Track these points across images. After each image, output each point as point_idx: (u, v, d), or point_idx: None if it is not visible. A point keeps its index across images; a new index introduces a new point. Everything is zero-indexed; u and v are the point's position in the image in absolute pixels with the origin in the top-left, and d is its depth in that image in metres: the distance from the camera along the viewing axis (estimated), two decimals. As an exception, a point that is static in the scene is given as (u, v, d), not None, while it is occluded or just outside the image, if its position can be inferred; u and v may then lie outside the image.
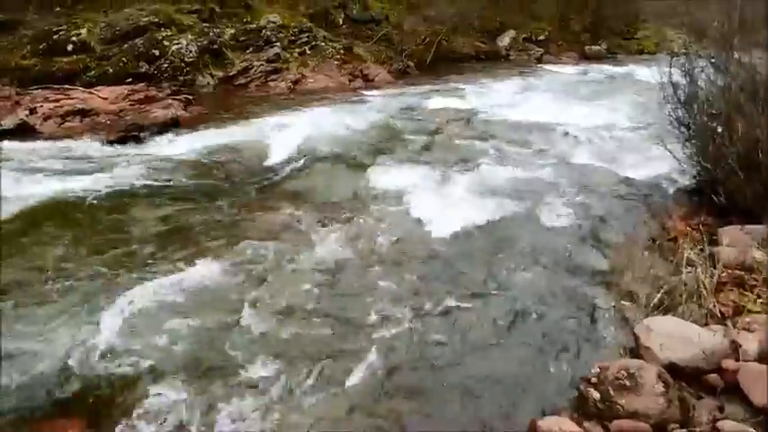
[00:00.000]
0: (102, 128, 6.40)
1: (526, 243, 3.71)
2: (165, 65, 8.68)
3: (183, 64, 8.82)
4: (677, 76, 4.53)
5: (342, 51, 10.88)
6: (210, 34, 9.49)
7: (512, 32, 14.58)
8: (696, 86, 4.41)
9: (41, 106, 6.73)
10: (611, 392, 2.12)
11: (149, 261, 3.40)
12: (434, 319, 2.89)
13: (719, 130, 3.98)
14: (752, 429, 1.94)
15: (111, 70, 8.30)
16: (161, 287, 3.05)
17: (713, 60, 4.36)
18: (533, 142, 6.16)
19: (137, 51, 8.60)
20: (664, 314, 2.70)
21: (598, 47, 15.48)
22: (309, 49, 10.47)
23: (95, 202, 4.32)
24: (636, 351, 2.43)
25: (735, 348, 2.28)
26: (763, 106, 3.66)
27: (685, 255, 3.14)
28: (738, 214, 3.69)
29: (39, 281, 3.15)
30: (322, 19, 11.64)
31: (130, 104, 7.21)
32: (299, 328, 2.79)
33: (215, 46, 9.41)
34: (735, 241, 3.20)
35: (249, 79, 9.35)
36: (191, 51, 8.95)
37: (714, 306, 2.66)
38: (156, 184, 4.75)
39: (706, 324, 2.53)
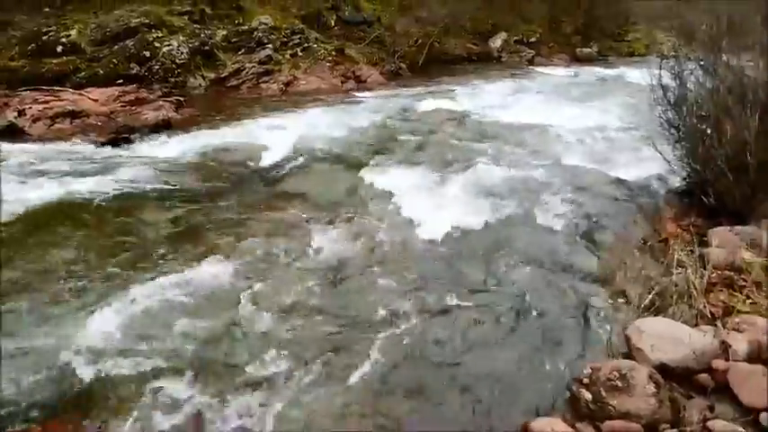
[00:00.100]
0: (92, 129, 6.36)
1: (519, 244, 3.73)
2: (156, 66, 8.62)
3: (174, 65, 8.77)
4: (667, 79, 4.57)
5: (334, 53, 10.87)
6: (202, 36, 9.44)
7: (503, 34, 14.64)
8: (685, 89, 4.45)
9: (30, 108, 6.66)
10: (603, 393, 2.13)
11: (148, 262, 3.41)
12: (428, 318, 2.89)
13: (709, 132, 4.02)
14: (741, 429, 1.96)
15: (101, 72, 8.23)
16: (160, 288, 3.07)
17: (702, 63, 4.40)
18: (526, 143, 6.19)
19: (127, 53, 8.54)
20: (655, 315, 2.72)
21: (589, 49, 15.57)
22: (301, 51, 10.45)
23: (90, 204, 4.28)
24: (627, 352, 2.44)
25: (724, 348, 2.30)
26: (750, 109, 3.69)
27: (676, 256, 3.17)
28: (728, 215, 3.73)
29: (46, 281, 3.15)
30: (314, 20, 11.62)
31: (121, 106, 7.16)
32: (299, 327, 2.81)
33: (206, 47, 9.37)
34: (724, 242, 3.24)
35: (241, 81, 9.32)
36: (182, 53, 8.91)
37: (704, 307, 2.68)
38: (149, 186, 4.71)
39: (696, 325, 2.56)
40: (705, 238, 3.42)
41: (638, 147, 5.60)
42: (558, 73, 12.60)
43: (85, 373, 2.44)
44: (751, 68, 4.04)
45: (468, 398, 2.36)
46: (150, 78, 8.48)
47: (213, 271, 3.28)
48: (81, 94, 7.37)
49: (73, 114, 6.72)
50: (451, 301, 3.05)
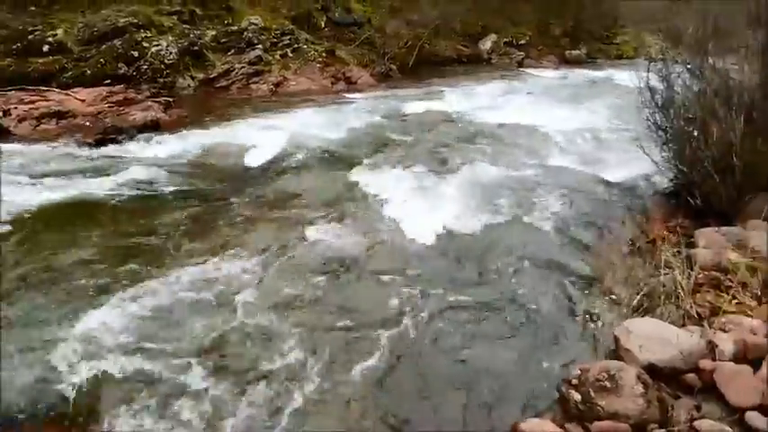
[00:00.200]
0: (79, 130, 6.28)
1: (509, 245, 3.74)
2: (145, 66, 8.55)
3: (162, 66, 8.70)
4: (655, 81, 4.62)
5: (324, 54, 10.86)
6: (191, 36, 9.38)
7: (493, 36, 14.71)
8: (673, 91, 4.49)
9: (16, 108, 6.57)
10: (592, 394, 2.14)
11: (141, 261, 3.40)
12: (420, 318, 2.89)
13: (695, 134, 4.06)
14: (728, 428, 1.98)
15: (88, 72, 8.14)
16: (150, 290, 3.06)
17: (689, 66, 4.45)
18: (515, 145, 6.22)
19: (115, 53, 8.45)
20: (643, 315, 2.74)
21: (578, 51, 15.69)
22: (291, 52, 10.42)
23: (78, 206, 4.25)
24: (616, 352, 2.46)
25: (711, 349, 2.33)
26: (736, 111, 3.74)
27: (663, 257, 3.20)
28: (714, 216, 3.77)
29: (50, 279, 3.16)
30: (304, 21, 11.60)
31: (109, 106, 7.08)
32: (300, 324, 2.82)
33: (196, 48, 9.31)
34: (711, 243, 3.27)
35: (230, 81, 9.27)
36: (171, 53, 8.84)
37: (691, 307, 2.71)
38: (137, 187, 4.67)
39: (683, 325, 2.58)
40: (692, 239, 3.45)
41: (627, 148, 5.64)
42: (548, 75, 12.68)
43: (88, 370, 2.44)
44: (736, 71, 4.08)
45: (457, 398, 2.36)
46: (138, 79, 8.40)
47: (212, 270, 3.28)
48: (68, 95, 7.29)
49: (59, 115, 6.64)
50: (442, 301, 3.05)
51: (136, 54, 8.55)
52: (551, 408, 2.26)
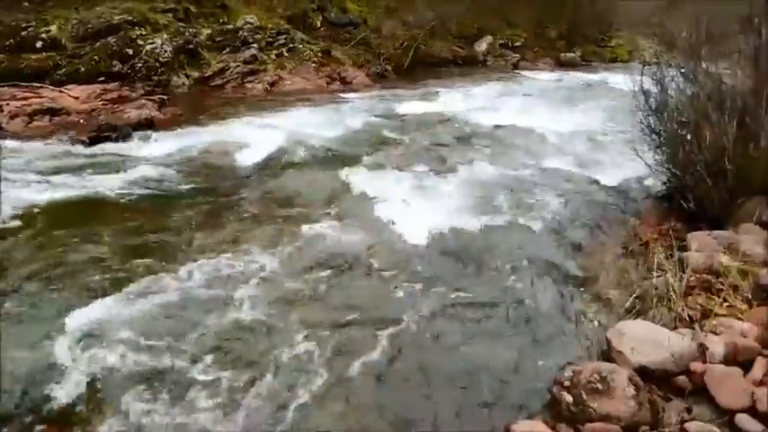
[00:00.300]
0: (72, 127, 6.24)
1: (503, 247, 3.75)
2: (139, 64, 8.50)
3: (157, 64, 8.65)
4: (648, 85, 4.64)
5: (319, 54, 10.84)
6: (186, 34, 9.33)
7: (489, 38, 14.74)
8: (666, 95, 4.52)
9: (8, 104, 6.52)
10: (584, 396, 2.15)
11: (148, 259, 3.42)
12: (414, 319, 2.90)
13: (689, 137, 4.08)
14: (717, 430, 1.99)
15: (82, 69, 8.08)
16: (154, 287, 3.09)
17: (682, 70, 4.47)
18: (510, 146, 6.24)
19: (110, 50, 8.39)
20: (635, 318, 2.76)
21: (573, 54, 15.75)
22: (287, 51, 10.40)
23: (71, 204, 4.23)
24: (608, 354, 2.47)
25: (702, 351, 2.34)
26: (728, 115, 3.76)
27: (656, 259, 3.21)
28: (707, 220, 3.79)
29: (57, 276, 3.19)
30: (300, 21, 11.57)
31: (103, 104, 7.05)
32: (296, 323, 2.84)
33: (191, 46, 9.26)
34: (703, 246, 3.28)
35: (225, 80, 9.24)
36: (165, 51, 8.79)
37: (683, 310, 2.72)
38: (132, 185, 4.66)
39: (675, 327, 2.59)
40: (685, 243, 3.47)
41: (621, 151, 5.68)
42: (543, 77, 12.73)
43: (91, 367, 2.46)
44: (729, 76, 4.11)
45: (450, 398, 2.36)
46: (133, 76, 8.35)
47: (215, 267, 3.30)
48: (61, 92, 7.24)
49: (52, 112, 6.60)
50: (436, 302, 3.06)
51: (130, 52, 8.50)
52: (543, 409, 2.27)
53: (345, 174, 5.07)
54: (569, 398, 2.18)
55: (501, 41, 14.98)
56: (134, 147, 5.75)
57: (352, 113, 7.71)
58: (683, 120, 4.20)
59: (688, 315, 2.69)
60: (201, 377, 2.43)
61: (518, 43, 15.23)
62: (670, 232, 3.76)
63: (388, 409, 2.31)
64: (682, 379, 2.27)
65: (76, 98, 7.11)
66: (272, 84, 9.52)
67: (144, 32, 8.84)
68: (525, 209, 4.37)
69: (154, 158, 5.40)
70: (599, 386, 2.15)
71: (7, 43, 7.94)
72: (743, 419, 2.02)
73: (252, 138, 6.04)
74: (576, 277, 3.40)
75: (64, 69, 7.99)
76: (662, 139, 4.51)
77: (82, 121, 6.52)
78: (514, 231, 4.02)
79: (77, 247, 3.54)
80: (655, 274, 3.08)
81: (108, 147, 5.69)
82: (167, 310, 2.88)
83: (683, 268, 3.06)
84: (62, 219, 3.97)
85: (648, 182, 4.82)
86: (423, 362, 2.59)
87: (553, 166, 5.52)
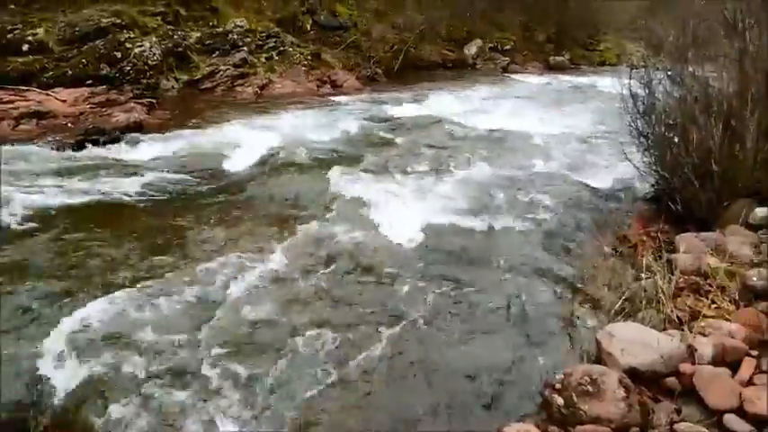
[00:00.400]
0: (59, 131, 6.19)
1: (492, 249, 3.75)
2: (128, 67, 8.43)
3: (146, 67, 8.59)
4: (636, 88, 4.68)
5: (310, 57, 10.84)
6: (175, 37, 9.28)
7: (478, 42, 14.82)
8: (654, 98, 4.56)
9: (-6, 108, 6.45)
10: (575, 398, 2.15)
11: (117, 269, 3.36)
12: (400, 322, 2.89)
13: (676, 140, 4.13)
14: (706, 431, 2.01)
15: (70, 72, 8.00)
16: (154, 287, 3.08)
17: (670, 73, 4.52)
18: (499, 149, 6.27)
19: (98, 53, 8.32)
20: (625, 320, 2.77)
21: (562, 57, 15.90)
22: (277, 55, 10.39)
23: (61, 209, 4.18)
24: (598, 356, 2.48)
25: (691, 352, 2.35)
26: (715, 118, 3.81)
27: (645, 261, 3.23)
28: (694, 222, 3.82)
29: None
30: (290, 24, 11.57)
31: (91, 107, 6.98)
32: (297, 321, 2.85)
33: (180, 49, 9.22)
34: (691, 248, 3.31)
35: (215, 84, 9.20)
36: (154, 54, 8.73)
37: (672, 311, 2.74)
38: (119, 189, 4.61)
39: (664, 329, 2.60)
40: (673, 244, 3.49)
41: (609, 154, 5.73)
42: (533, 80, 12.82)
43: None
44: (715, 79, 4.16)
45: (441, 400, 2.36)
46: (121, 80, 8.28)
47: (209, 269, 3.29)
48: (48, 95, 7.17)
49: (39, 115, 6.54)
50: (425, 304, 3.06)
51: (119, 55, 8.44)
52: (535, 412, 2.27)
53: (340, 175, 5.06)
54: (560, 400, 2.18)
55: (490, 45, 15.08)
56: (122, 150, 5.70)
57: (343, 116, 7.71)
58: (671, 122, 4.25)
59: (677, 317, 2.70)
60: (208, 372, 2.45)
61: (507, 47, 15.34)
62: (658, 234, 3.79)
63: (381, 410, 2.31)
64: (671, 380, 2.27)
65: (64, 101, 7.05)
66: (263, 87, 9.50)
67: (132, 35, 8.78)
68: (514, 211, 4.38)
69: (142, 162, 5.36)
70: (589, 388, 2.16)
71: (-7, 46, 7.85)
72: (731, 420, 2.03)
73: (242, 141, 6.01)
74: (565, 279, 3.41)
75: (51, 72, 7.91)
76: (650, 141, 4.54)
77: (69, 124, 6.47)
78: (503, 234, 4.02)
79: (62, 251, 3.51)
80: (644, 275, 3.10)
81: (96, 151, 5.64)
82: (167, 309, 2.87)
83: (672, 270, 3.08)
84: (46, 223, 3.92)
85: (637, 184, 4.86)
86: (412, 364, 2.58)
87: (542, 170, 5.55)
